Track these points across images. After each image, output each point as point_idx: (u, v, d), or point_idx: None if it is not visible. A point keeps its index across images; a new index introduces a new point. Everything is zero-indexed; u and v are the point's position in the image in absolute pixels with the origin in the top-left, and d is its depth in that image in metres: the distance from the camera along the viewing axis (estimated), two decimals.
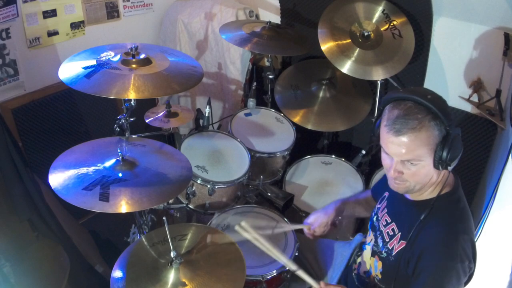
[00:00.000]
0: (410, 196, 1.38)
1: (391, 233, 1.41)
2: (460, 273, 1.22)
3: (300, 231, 1.80)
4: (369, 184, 2.30)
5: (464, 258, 1.22)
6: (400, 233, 1.37)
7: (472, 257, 1.26)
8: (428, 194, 1.33)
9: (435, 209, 1.29)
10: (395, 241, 1.38)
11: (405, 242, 1.33)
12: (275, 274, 1.76)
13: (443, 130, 1.20)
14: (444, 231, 1.25)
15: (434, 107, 1.18)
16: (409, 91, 1.24)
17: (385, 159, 1.31)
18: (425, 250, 1.26)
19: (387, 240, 1.42)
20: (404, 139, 1.20)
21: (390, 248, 1.39)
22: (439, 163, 1.22)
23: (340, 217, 1.71)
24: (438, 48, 2.32)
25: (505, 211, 1.63)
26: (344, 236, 2.21)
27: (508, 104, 1.98)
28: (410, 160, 1.23)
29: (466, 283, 1.29)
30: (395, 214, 1.44)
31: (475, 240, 1.65)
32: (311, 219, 1.72)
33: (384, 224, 1.46)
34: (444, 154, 1.20)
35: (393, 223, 1.42)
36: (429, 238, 1.26)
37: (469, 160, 2.30)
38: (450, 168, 1.24)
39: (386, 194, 1.53)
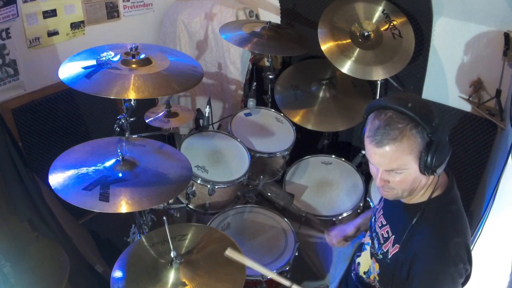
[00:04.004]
0: (403, 200, 1.37)
1: (386, 235, 1.41)
2: (455, 277, 1.22)
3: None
4: (369, 184, 2.30)
5: (457, 261, 1.22)
6: (393, 236, 1.37)
7: (467, 259, 1.25)
8: (420, 197, 1.33)
9: (426, 213, 1.28)
10: (390, 244, 1.38)
11: (398, 245, 1.33)
12: (275, 274, 1.75)
13: (425, 137, 1.19)
14: (435, 235, 1.25)
15: (415, 115, 1.17)
16: (390, 100, 1.24)
17: (372, 168, 1.32)
18: (417, 255, 1.25)
19: (382, 242, 1.42)
20: (386, 149, 1.20)
21: (385, 250, 1.39)
22: (424, 169, 1.22)
23: (356, 231, 1.74)
24: (438, 48, 2.32)
25: (505, 212, 1.63)
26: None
27: (508, 104, 1.98)
28: (394, 169, 1.23)
29: (463, 284, 1.29)
30: (390, 216, 1.44)
31: (475, 240, 1.65)
32: (335, 231, 1.76)
33: (379, 225, 1.46)
34: (429, 160, 1.19)
35: (388, 225, 1.42)
36: (421, 243, 1.26)
37: (469, 160, 2.30)
38: (437, 173, 1.23)
39: None
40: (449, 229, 1.25)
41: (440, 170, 1.23)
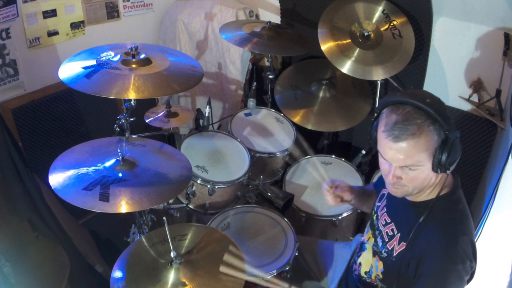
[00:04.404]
0: (410, 198, 1.37)
1: (391, 233, 1.41)
2: (462, 274, 1.22)
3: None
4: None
5: (465, 259, 1.22)
6: (399, 234, 1.37)
7: (472, 256, 1.26)
8: (427, 195, 1.32)
9: (433, 211, 1.28)
10: (395, 242, 1.37)
11: (405, 243, 1.33)
12: (275, 274, 1.75)
13: (442, 134, 1.18)
14: (443, 233, 1.25)
15: (433, 112, 1.16)
16: (407, 95, 1.22)
17: (383, 164, 1.30)
18: (425, 253, 1.25)
19: (387, 240, 1.41)
20: (403, 145, 1.18)
21: (390, 248, 1.39)
22: (438, 167, 1.20)
23: (352, 200, 1.65)
24: (438, 48, 2.32)
25: (505, 211, 1.63)
26: (344, 237, 2.21)
27: (508, 104, 1.98)
28: (409, 166, 1.22)
29: (468, 281, 1.29)
30: (394, 214, 1.43)
31: (475, 240, 1.65)
32: (337, 182, 1.66)
33: (383, 223, 1.46)
34: (443, 158, 1.18)
35: (392, 223, 1.42)
36: (429, 241, 1.26)
37: (469, 160, 2.30)
38: (449, 171, 1.23)
39: (385, 192, 1.51)
40: (458, 227, 1.26)
41: (452, 168, 1.22)
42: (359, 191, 1.70)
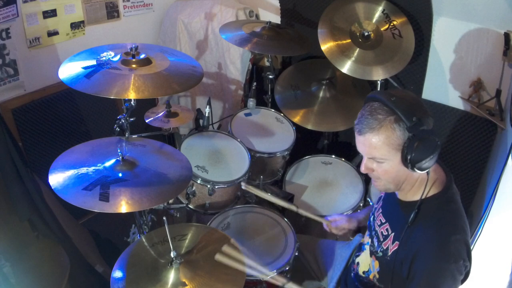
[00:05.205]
0: (399, 196, 1.39)
1: (385, 233, 1.42)
2: (455, 273, 1.22)
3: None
4: (369, 184, 2.30)
5: (458, 258, 1.22)
6: (393, 234, 1.38)
7: (466, 255, 1.26)
8: (414, 194, 1.34)
9: (424, 211, 1.29)
10: (389, 241, 1.39)
11: (398, 242, 1.34)
12: (275, 274, 1.75)
13: (407, 132, 1.22)
14: (435, 232, 1.26)
15: (395, 108, 1.21)
16: (381, 92, 1.29)
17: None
18: (418, 252, 1.26)
19: (382, 240, 1.43)
20: (365, 137, 1.26)
21: (385, 248, 1.40)
22: (404, 163, 1.24)
23: (357, 226, 1.79)
24: (438, 48, 2.32)
25: (505, 212, 1.63)
26: (344, 236, 2.21)
27: (508, 104, 1.98)
28: (374, 158, 1.28)
29: (463, 281, 1.30)
30: (389, 214, 1.45)
31: (475, 240, 1.66)
32: (334, 217, 1.81)
33: (378, 224, 1.47)
34: (407, 155, 1.22)
35: (387, 223, 1.43)
36: (421, 240, 1.26)
37: (469, 160, 2.30)
38: (418, 169, 1.24)
39: (382, 194, 1.55)
40: (449, 227, 1.26)
41: (422, 166, 1.23)
42: (364, 215, 1.79)
